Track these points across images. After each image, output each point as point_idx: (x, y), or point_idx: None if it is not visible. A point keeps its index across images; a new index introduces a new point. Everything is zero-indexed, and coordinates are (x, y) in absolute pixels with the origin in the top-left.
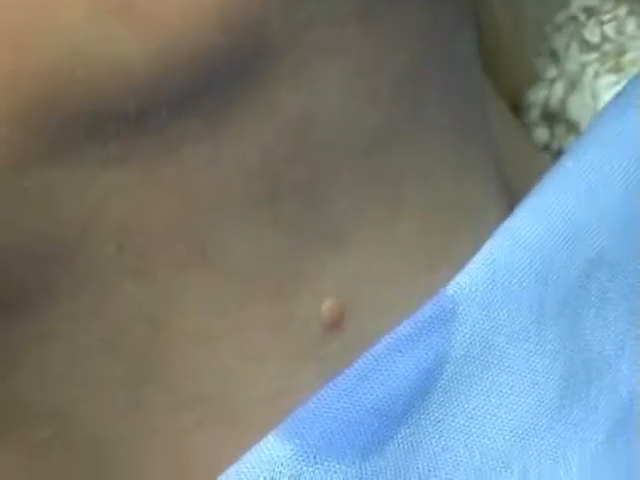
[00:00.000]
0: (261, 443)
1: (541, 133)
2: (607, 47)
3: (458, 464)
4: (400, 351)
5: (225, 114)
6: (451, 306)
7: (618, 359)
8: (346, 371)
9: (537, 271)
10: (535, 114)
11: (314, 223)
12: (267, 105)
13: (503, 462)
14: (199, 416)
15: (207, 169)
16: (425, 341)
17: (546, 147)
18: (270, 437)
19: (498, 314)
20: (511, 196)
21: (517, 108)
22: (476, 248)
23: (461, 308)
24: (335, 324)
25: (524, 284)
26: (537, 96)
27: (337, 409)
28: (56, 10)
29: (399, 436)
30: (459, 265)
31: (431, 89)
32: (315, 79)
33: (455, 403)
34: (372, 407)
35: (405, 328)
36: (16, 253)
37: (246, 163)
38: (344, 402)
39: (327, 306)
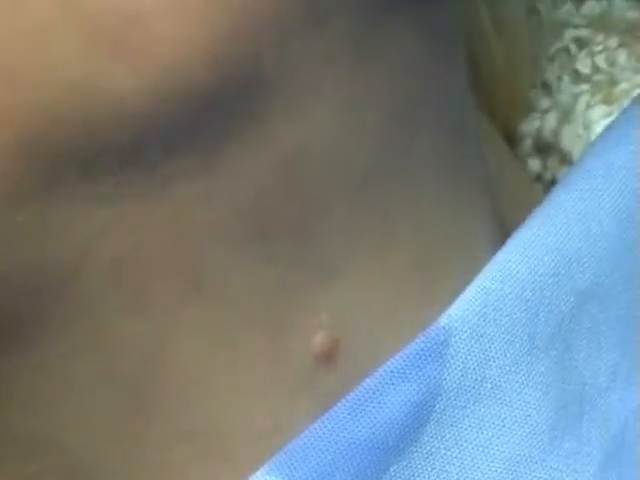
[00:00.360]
0: (252, 478)
1: (534, 164)
2: (599, 78)
3: None
4: (392, 384)
5: (218, 150)
6: (443, 338)
7: (610, 391)
8: (338, 405)
9: (528, 303)
10: (528, 145)
11: (307, 258)
12: (260, 141)
13: None
14: (193, 450)
15: (201, 206)
16: (417, 374)
17: (539, 177)
18: (261, 472)
19: (490, 346)
20: (505, 229)
21: (511, 139)
22: (469, 281)
23: (453, 340)
24: (328, 357)
25: (515, 316)
26: (530, 127)
27: (329, 443)
28: (51, 46)
29: (392, 469)
30: (452, 298)
31: (424, 124)
32: (308, 114)
33: (448, 435)
34: (364, 441)
35: (397, 361)
36: (9, 285)
37: (240, 200)
38: (336, 436)
39: (320, 340)
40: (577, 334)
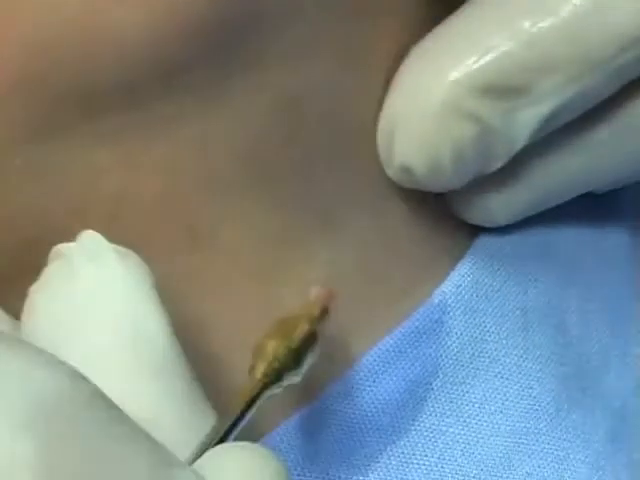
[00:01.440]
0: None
1: None
2: None
3: (457, 473)
4: (388, 363)
5: (218, 92)
6: (437, 316)
7: (606, 368)
8: (332, 385)
9: (516, 278)
10: None
11: (305, 206)
12: (260, 84)
13: (504, 467)
14: None
15: (196, 149)
16: (413, 352)
17: None
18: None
19: (484, 321)
20: None
21: None
22: (465, 248)
23: (447, 317)
24: (322, 311)
25: (506, 291)
26: None
27: (323, 423)
28: None
29: (389, 449)
30: (448, 267)
31: None
32: (308, 59)
33: (448, 412)
34: (359, 422)
35: (392, 340)
36: (11, 229)
37: (237, 146)
38: (330, 415)
39: (315, 292)
40: (567, 313)
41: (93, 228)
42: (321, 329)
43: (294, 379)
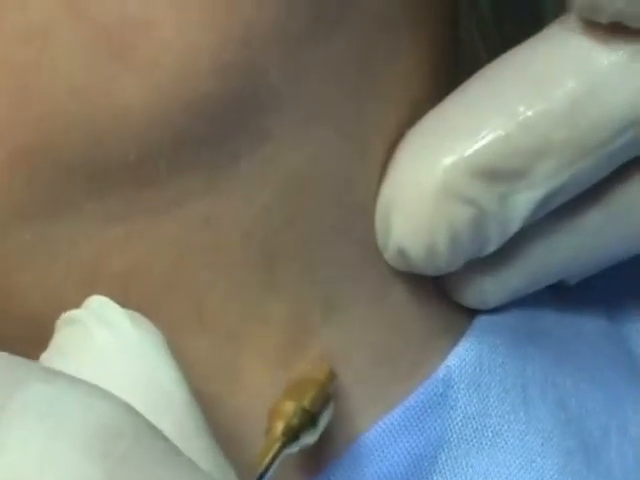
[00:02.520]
0: None
1: None
2: None
3: None
4: (393, 437)
5: (225, 170)
6: (442, 390)
7: (607, 447)
8: (338, 460)
9: (516, 354)
10: None
11: (309, 289)
12: (267, 160)
13: None
14: None
15: (205, 227)
16: (418, 426)
17: None
18: None
19: (487, 395)
20: None
21: None
22: (468, 325)
23: (452, 391)
24: (330, 375)
25: (507, 366)
26: None
27: None
28: (55, 52)
29: None
30: (451, 343)
31: None
32: (314, 132)
33: None
34: None
35: (397, 414)
36: (17, 303)
37: (245, 223)
38: None
39: (319, 368)
40: (564, 390)
41: None
42: (331, 391)
43: (310, 439)
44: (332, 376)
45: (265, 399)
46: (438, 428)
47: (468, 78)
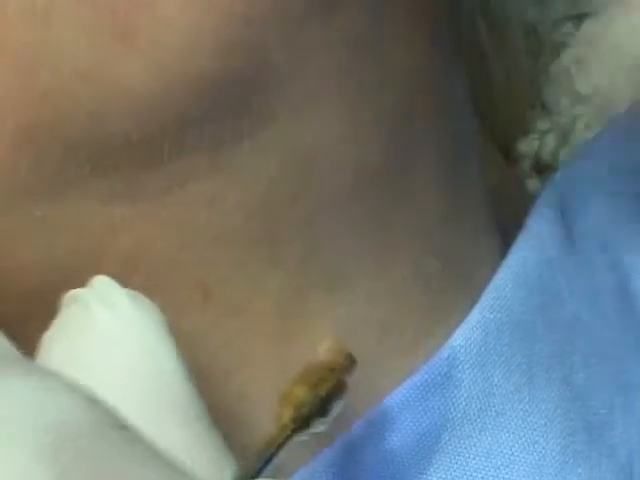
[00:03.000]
0: None
1: (532, 184)
2: (598, 99)
3: None
4: (396, 416)
5: (228, 150)
6: (446, 369)
7: (612, 424)
8: (340, 438)
9: (523, 332)
10: (526, 166)
11: (313, 263)
12: (269, 140)
13: None
14: None
15: (209, 206)
16: (422, 406)
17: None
18: None
19: (492, 375)
20: (507, 245)
21: (509, 158)
22: (471, 300)
23: (456, 371)
24: (348, 360)
25: (513, 345)
26: (529, 148)
27: (330, 476)
28: (58, 31)
29: None
30: (453, 316)
31: (423, 135)
32: (315, 113)
33: (455, 466)
34: (367, 474)
35: (401, 393)
36: (27, 277)
37: (247, 201)
38: (338, 469)
39: (325, 348)
40: (570, 368)
41: None
42: (347, 378)
43: (320, 427)
44: (351, 362)
45: (270, 375)
46: (442, 407)
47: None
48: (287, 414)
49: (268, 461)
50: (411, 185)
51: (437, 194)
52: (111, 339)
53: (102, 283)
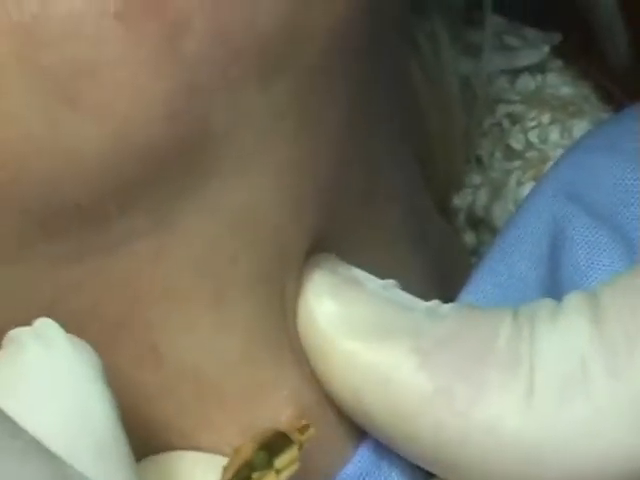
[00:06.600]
0: None
1: (468, 238)
2: (531, 154)
3: None
4: None
5: (171, 210)
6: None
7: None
8: None
9: None
10: (461, 219)
11: (266, 325)
12: (211, 201)
13: None
14: None
15: (155, 264)
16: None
17: (474, 252)
18: None
19: None
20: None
21: (445, 212)
22: None
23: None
24: (302, 425)
25: None
26: (463, 202)
27: None
28: (7, 99)
29: None
30: None
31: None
32: (256, 173)
33: None
34: None
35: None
36: None
37: (191, 259)
38: None
39: (287, 416)
40: None
41: None
42: (302, 441)
43: None
44: (304, 427)
45: (227, 442)
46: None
47: None
48: (229, 466)
49: None
50: (362, 240)
51: (386, 248)
52: (41, 374)
53: (41, 323)
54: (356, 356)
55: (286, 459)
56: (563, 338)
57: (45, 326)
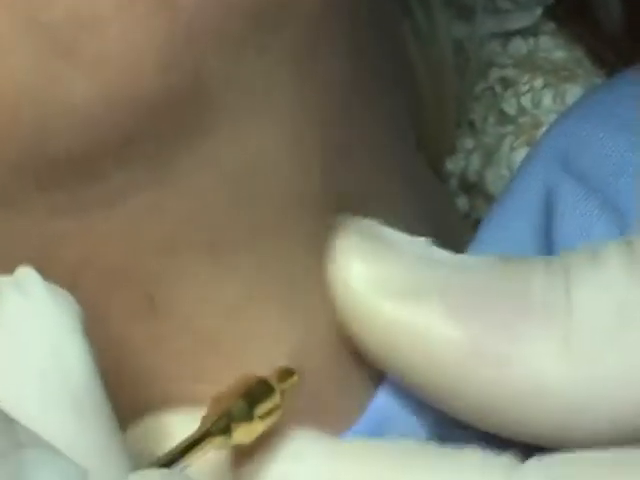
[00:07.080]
0: None
1: (461, 202)
2: (523, 119)
3: None
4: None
5: (168, 164)
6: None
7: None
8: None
9: None
10: (454, 184)
11: (261, 273)
12: (208, 155)
13: None
14: None
15: (152, 218)
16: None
17: (467, 216)
18: None
19: None
20: None
21: (438, 176)
22: None
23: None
24: (285, 371)
25: None
26: (455, 167)
27: None
28: (2, 53)
29: None
30: None
31: (360, 150)
32: (252, 132)
33: None
34: None
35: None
36: None
37: (188, 213)
38: None
39: (280, 370)
40: None
41: None
42: (286, 390)
43: (244, 438)
44: (288, 373)
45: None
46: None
47: None
48: (208, 418)
49: (177, 458)
50: (357, 199)
51: (383, 206)
52: (16, 321)
53: (21, 272)
54: (390, 316)
55: (267, 407)
56: (600, 286)
57: (25, 275)
